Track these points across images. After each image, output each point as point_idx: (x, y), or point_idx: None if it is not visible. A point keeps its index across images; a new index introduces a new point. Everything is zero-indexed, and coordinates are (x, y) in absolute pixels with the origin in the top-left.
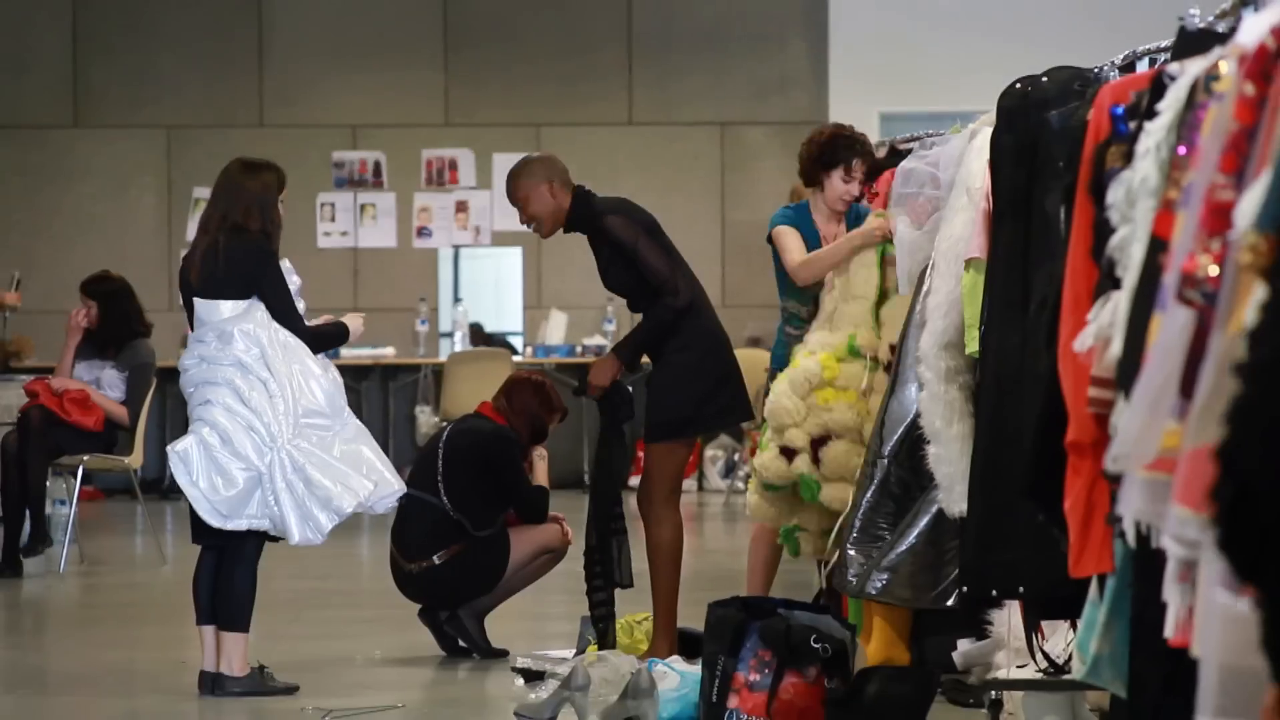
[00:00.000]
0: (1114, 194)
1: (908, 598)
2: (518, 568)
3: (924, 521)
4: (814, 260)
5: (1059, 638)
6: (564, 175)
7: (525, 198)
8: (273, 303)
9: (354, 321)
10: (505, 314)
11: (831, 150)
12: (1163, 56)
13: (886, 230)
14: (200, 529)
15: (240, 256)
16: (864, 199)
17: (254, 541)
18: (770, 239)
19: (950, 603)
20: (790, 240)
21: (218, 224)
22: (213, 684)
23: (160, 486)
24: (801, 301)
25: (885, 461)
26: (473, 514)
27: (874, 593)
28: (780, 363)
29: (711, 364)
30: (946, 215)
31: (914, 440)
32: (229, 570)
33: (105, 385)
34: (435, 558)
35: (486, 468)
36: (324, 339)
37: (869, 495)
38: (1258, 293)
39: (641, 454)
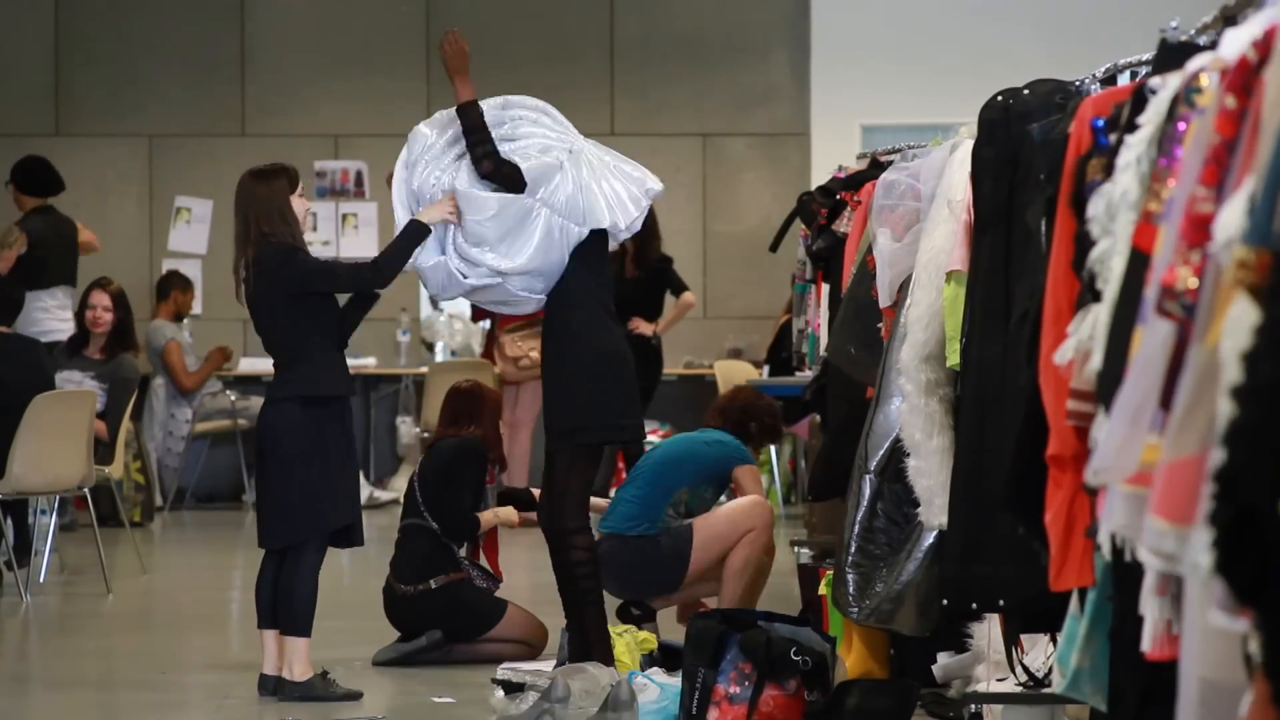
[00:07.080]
0: (1095, 207)
1: (916, 626)
2: (497, 637)
3: (925, 546)
4: None
5: (1039, 651)
6: None
7: None
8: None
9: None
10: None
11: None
12: (1144, 69)
13: None
14: (267, 534)
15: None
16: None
17: (314, 546)
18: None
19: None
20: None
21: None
22: (275, 687)
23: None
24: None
25: (873, 477)
26: (454, 531)
27: (880, 623)
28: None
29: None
30: (927, 227)
31: (901, 454)
32: (289, 575)
33: None
34: (432, 582)
35: (455, 480)
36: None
37: (861, 513)
38: (1251, 314)
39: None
